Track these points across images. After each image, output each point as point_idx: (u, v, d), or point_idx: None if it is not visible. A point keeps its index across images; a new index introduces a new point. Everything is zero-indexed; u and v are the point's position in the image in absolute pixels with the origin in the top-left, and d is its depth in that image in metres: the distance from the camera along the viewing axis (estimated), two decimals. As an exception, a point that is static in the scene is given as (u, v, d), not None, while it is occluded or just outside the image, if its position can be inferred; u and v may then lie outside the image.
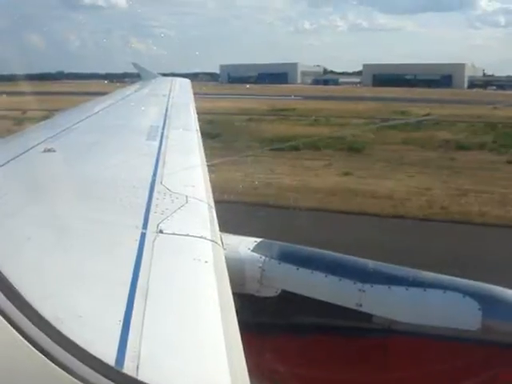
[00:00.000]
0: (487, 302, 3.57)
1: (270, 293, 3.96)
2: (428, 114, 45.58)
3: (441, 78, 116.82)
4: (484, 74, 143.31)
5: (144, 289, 1.78)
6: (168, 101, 9.50)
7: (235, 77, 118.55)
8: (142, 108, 9.36)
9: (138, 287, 1.78)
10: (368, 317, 3.74)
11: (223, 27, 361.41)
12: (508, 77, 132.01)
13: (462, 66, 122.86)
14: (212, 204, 3.13)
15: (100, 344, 1.34)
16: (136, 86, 15.66)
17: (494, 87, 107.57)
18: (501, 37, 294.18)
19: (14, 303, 1.24)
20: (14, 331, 1.20)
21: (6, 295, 1.24)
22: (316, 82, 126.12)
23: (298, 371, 3.72)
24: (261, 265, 3.98)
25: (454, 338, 3.59)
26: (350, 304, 3.74)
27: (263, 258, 4.01)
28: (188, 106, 9.46)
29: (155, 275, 1.91)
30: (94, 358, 1.26)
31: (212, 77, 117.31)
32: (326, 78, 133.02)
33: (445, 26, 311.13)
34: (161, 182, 3.29)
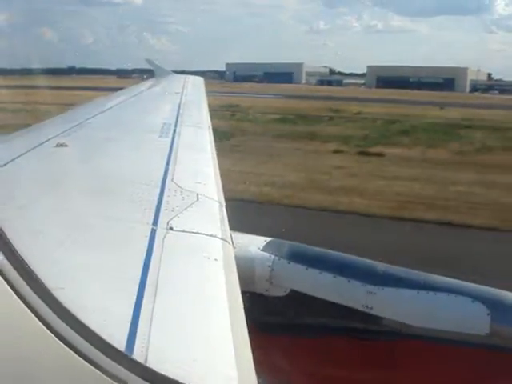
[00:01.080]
0: (496, 307, 3.57)
1: (279, 292, 3.99)
2: (359, 113, 49.25)
3: (443, 81, 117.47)
4: (491, 79, 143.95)
5: (153, 285, 1.79)
6: (181, 98, 9.50)
7: (241, 75, 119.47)
8: (155, 105, 9.41)
9: (147, 283, 1.80)
10: (376, 319, 3.77)
11: (238, 25, 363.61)
12: (499, 80, 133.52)
13: (464, 70, 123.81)
14: (223, 202, 3.13)
15: (109, 338, 1.36)
16: (149, 82, 15.75)
17: (496, 91, 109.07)
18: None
19: (33, 289, 1.27)
20: (33, 316, 1.23)
21: (26, 282, 1.27)
22: (320, 82, 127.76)
23: (304, 371, 3.75)
24: (270, 264, 4.00)
25: (462, 343, 3.62)
26: (359, 306, 3.76)
27: (273, 257, 4.03)
28: (200, 104, 9.47)
29: (165, 272, 1.91)
30: (108, 344, 1.31)
31: (220, 75, 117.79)
32: (329, 79, 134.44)
33: (460, 29, 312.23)
34: (172, 180, 3.30)
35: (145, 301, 1.68)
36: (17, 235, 1.83)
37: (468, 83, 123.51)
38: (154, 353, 1.41)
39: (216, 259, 2.17)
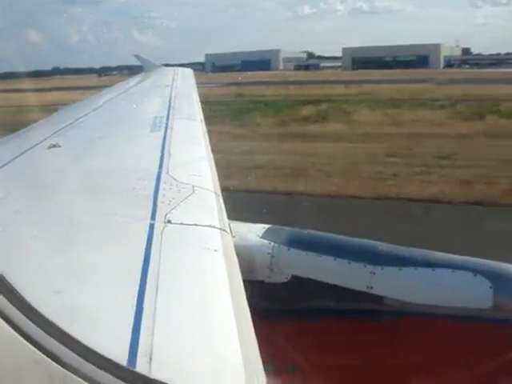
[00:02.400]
0: (498, 280, 3.58)
1: (281, 279, 4.00)
2: (252, 96, 50.40)
3: (417, 59, 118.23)
4: (470, 53, 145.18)
5: (154, 279, 1.80)
6: (171, 91, 9.53)
7: (221, 65, 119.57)
8: (146, 99, 9.39)
9: (148, 278, 1.81)
10: (379, 299, 3.78)
11: (223, 16, 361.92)
12: (490, 55, 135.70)
13: (437, 47, 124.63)
14: (219, 193, 3.14)
15: (111, 337, 1.36)
16: (138, 77, 15.74)
17: (468, 66, 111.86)
18: (502, 15, 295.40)
19: (16, 306, 1.23)
20: (18, 336, 1.20)
21: (8, 299, 1.23)
22: (298, 67, 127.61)
23: (310, 356, 3.75)
24: (270, 251, 4.01)
25: (465, 317, 3.63)
26: (361, 287, 3.78)
27: (272, 244, 4.05)
28: (191, 95, 9.46)
29: (165, 265, 1.92)
30: (104, 358, 1.27)
31: (203, 66, 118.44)
32: (306, 64, 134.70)
33: (446, 6, 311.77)
34: (167, 173, 3.30)
35: (146, 296, 1.68)
36: (12, 239, 1.85)
37: (442, 59, 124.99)
38: (158, 349, 1.41)
39: (216, 250, 2.17)
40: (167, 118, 5.84)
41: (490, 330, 3.59)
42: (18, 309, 1.23)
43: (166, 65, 21.55)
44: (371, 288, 3.76)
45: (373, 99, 45.98)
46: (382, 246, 4.02)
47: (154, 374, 1.32)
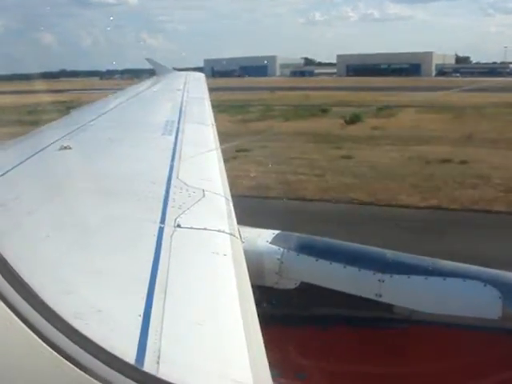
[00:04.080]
0: (508, 290, 3.57)
1: (289, 285, 4.01)
2: None
3: (410, 67, 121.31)
4: (470, 62, 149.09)
5: (163, 283, 1.80)
6: (183, 95, 9.56)
7: (219, 71, 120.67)
8: (157, 103, 9.42)
9: (157, 281, 1.81)
10: (388, 307, 3.78)
11: (235, 21, 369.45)
12: (485, 63, 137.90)
13: (429, 55, 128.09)
14: (229, 197, 3.14)
15: (120, 338, 1.37)
16: (150, 81, 15.84)
17: (458, 74, 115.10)
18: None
19: (29, 302, 1.25)
20: (30, 331, 1.21)
21: (20, 295, 1.25)
22: (293, 73, 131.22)
23: (318, 363, 3.76)
24: (279, 257, 4.03)
25: (474, 327, 3.61)
26: (370, 294, 3.77)
27: (281, 249, 4.06)
28: (203, 100, 9.50)
29: (174, 269, 1.93)
30: (114, 356, 1.28)
31: (201, 71, 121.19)
32: (302, 70, 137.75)
33: (457, 14, 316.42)
34: (177, 177, 3.30)
35: (155, 299, 1.68)
36: (23, 240, 1.95)
37: (434, 67, 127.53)
38: (165, 353, 1.41)
39: (225, 254, 2.18)
40: (178, 122, 5.88)
41: (499, 339, 3.58)
42: (29, 303, 1.25)
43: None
44: (380, 296, 3.75)
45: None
46: (391, 254, 4.01)
47: (162, 377, 1.33)
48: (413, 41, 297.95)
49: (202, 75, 16.58)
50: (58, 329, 1.24)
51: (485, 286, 3.61)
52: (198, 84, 13.36)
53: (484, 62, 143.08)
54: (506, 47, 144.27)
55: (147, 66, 20.99)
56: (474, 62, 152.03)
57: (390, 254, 4.05)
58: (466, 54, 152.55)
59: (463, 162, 25.43)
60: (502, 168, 23.81)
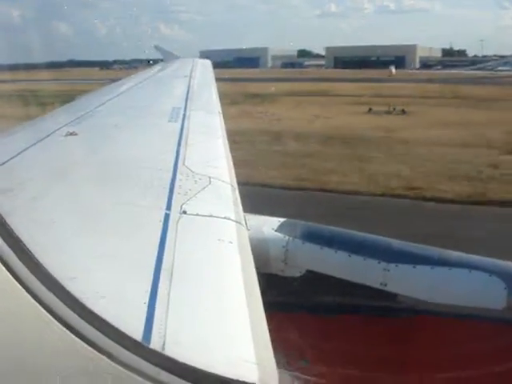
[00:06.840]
0: None
1: (295, 273, 4.03)
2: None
3: (394, 59, 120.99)
4: (465, 55, 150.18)
5: (169, 269, 1.81)
6: (189, 82, 9.54)
7: (215, 62, 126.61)
8: (164, 89, 9.40)
9: (162, 267, 1.82)
10: (393, 296, 3.79)
11: (250, 12, 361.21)
12: (474, 56, 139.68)
13: (413, 48, 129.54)
14: (235, 185, 3.14)
15: (126, 324, 1.38)
16: (157, 67, 15.79)
17: (440, 67, 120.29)
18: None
19: (41, 281, 1.28)
20: (41, 309, 1.24)
21: (33, 273, 1.28)
22: (285, 65, 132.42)
23: (322, 351, 3.79)
24: (285, 245, 4.04)
25: (479, 317, 3.64)
26: (375, 283, 3.79)
27: (287, 237, 4.07)
28: (210, 86, 9.50)
29: (180, 256, 1.93)
30: (123, 333, 1.31)
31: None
32: (292, 62, 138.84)
33: (473, 6, 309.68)
34: (183, 164, 3.29)
35: (160, 286, 1.69)
36: (30, 225, 1.93)
37: (418, 60, 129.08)
38: (171, 338, 1.42)
39: (230, 242, 2.18)
40: (185, 109, 5.85)
41: (503, 330, 3.59)
42: (42, 282, 1.29)
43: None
44: (385, 285, 3.77)
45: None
46: (397, 244, 4.02)
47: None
48: (428, 34, 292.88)
49: (208, 62, 16.50)
50: (67, 305, 1.28)
51: (490, 276, 3.62)
52: (205, 71, 13.41)
53: (492, 54, 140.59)
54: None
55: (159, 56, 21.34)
56: (471, 55, 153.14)
57: (395, 243, 4.06)
58: (474, 48, 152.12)
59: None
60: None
